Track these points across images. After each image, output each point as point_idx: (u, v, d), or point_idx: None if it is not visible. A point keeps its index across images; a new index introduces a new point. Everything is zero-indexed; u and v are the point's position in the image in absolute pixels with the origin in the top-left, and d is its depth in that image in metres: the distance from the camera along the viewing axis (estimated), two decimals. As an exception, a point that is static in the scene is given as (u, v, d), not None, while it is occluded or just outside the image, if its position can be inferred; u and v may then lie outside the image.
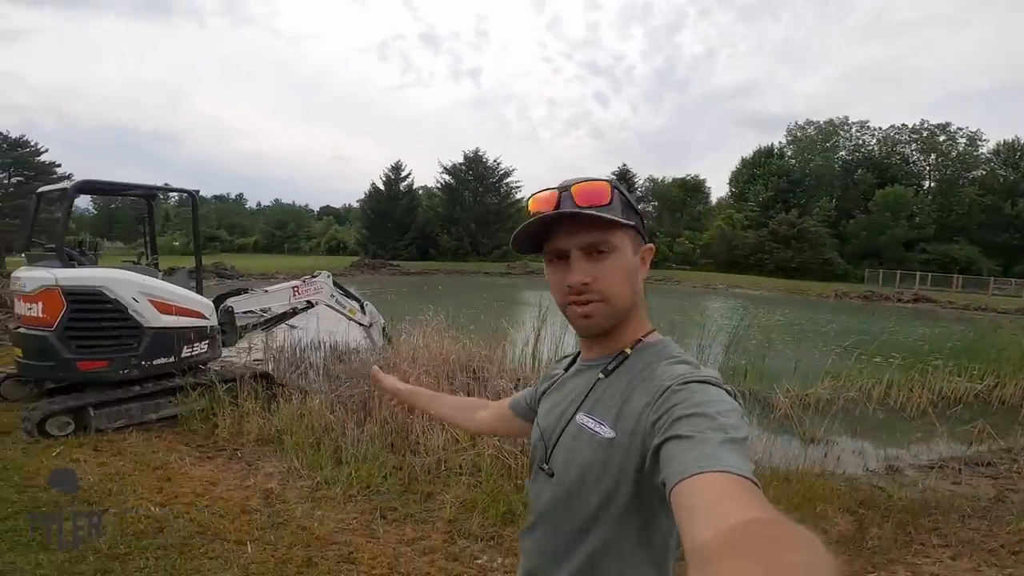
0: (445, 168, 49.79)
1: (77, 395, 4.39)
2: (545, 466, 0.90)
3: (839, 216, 47.13)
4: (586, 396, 0.85)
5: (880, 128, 53.58)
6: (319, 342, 7.31)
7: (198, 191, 5.52)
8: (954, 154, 50.08)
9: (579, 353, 0.97)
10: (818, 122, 54.74)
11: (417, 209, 50.24)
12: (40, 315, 4.25)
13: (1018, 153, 46.86)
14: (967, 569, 3.00)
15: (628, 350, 0.85)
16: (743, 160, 53.69)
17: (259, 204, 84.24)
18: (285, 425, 4.32)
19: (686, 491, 0.56)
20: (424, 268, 39.36)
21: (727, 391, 0.71)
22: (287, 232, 64.82)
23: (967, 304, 28.16)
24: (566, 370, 0.98)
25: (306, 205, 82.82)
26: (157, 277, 4.86)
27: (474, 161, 48.94)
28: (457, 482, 3.62)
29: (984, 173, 47.93)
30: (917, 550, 3.15)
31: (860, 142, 53.80)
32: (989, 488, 4.25)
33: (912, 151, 52.38)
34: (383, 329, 6.99)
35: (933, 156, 51.15)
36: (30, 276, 4.35)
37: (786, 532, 0.44)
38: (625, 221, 0.83)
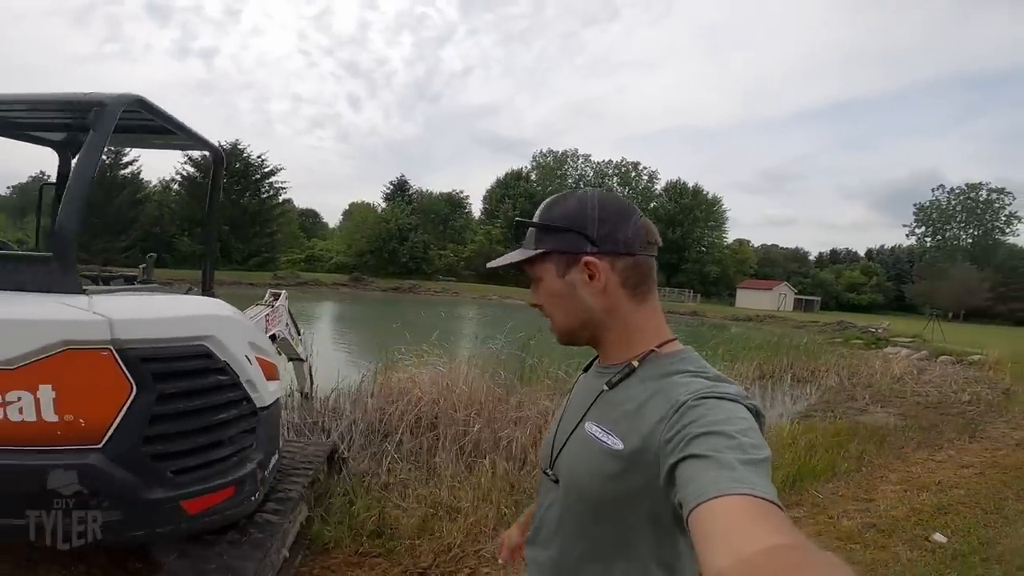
0: (189, 158, 42.33)
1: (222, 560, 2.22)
2: (550, 471, 0.89)
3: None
4: (592, 405, 0.84)
5: (596, 161, 66.73)
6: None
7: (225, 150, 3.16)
8: (640, 187, 65.67)
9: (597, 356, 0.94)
10: (555, 151, 65.23)
11: (144, 204, 41.44)
12: (53, 417, 1.78)
13: (678, 190, 64.18)
14: (948, 453, 5.32)
15: (635, 363, 0.81)
16: (497, 180, 60.23)
17: None
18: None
19: (705, 515, 0.53)
20: (164, 277, 32.96)
21: (747, 407, 0.67)
22: None
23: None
24: (585, 371, 0.97)
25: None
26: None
27: (231, 155, 42.89)
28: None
29: (656, 205, 64.15)
30: (909, 450, 5.35)
31: (583, 172, 65.97)
32: (842, 424, 6.46)
33: (614, 183, 66.62)
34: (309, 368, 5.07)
35: (627, 189, 66.14)
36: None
37: (811, 559, 0.43)
38: (528, 253, 0.85)
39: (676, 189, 63.81)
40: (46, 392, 1.77)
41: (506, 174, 60.43)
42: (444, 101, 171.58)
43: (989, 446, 5.95)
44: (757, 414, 0.69)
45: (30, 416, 1.76)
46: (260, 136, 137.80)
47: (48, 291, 1.94)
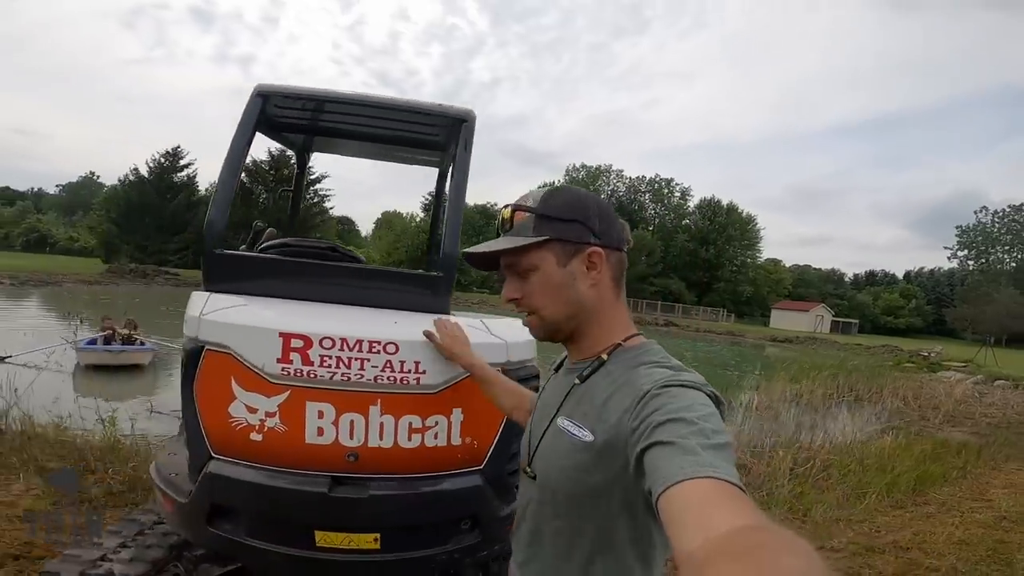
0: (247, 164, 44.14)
1: None
2: (528, 468, 0.90)
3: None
4: (564, 400, 0.86)
5: (629, 177, 67.02)
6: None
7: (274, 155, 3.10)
8: (673, 204, 65.64)
9: (567, 355, 0.95)
10: (588, 166, 65.68)
11: (198, 207, 43.25)
12: (458, 440, 1.78)
13: (712, 208, 63.97)
14: None
15: (605, 356, 0.84)
16: (526, 191, 60.75)
17: None
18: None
19: (673, 499, 0.55)
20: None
21: (707, 395, 0.70)
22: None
23: (697, 327, 38.09)
24: (556, 371, 0.98)
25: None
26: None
27: (279, 160, 44.52)
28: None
29: (689, 222, 64.00)
30: (1000, 462, 5.79)
31: (615, 187, 66.29)
32: (938, 439, 6.91)
33: (646, 199, 66.83)
34: None
35: (659, 205, 66.20)
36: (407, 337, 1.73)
37: (777, 538, 0.45)
38: (529, 240, 0.83)
39: (710, 207, 63.58)
40: (457, 416, 1.74)
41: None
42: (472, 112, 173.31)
43: (1072, 462, 6.25)
44: (717, 401, 0.71)
45: (442, 440, 1.74)
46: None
47: (430, 311, 1.88)
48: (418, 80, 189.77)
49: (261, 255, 2.05)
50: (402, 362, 1.63)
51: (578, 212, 0.83)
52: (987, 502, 4.30)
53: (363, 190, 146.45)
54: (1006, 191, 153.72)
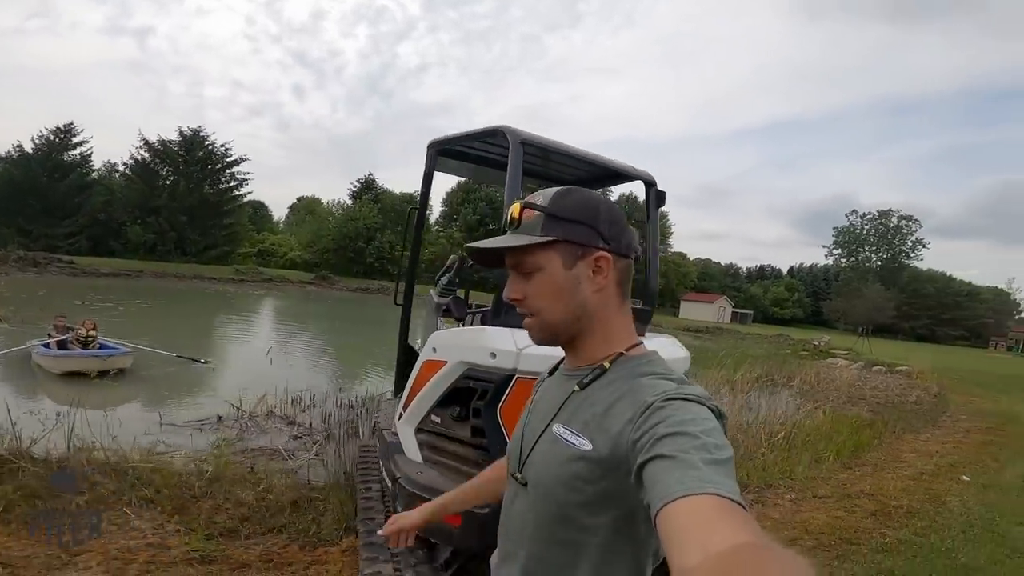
0: (147, 142, 40.42)
1: None
2: (518, 475, 0.88)
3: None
4: (561, 407, 0.84)
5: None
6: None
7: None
8: (592, 201, 68.31)
9: (564, 359, 0.93)
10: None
11: (91, 189, 39.24)
12: None
13: (628, 202, 67.54)
14: (926, 436, 7.27)
15: (607, 364, 0.82)
16: (458, 183, 60.91)
17: None
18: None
19: (672, 515, 0.54)
20: (120, 268, 31.70)
21: (711, 409, 0.69)
22: None
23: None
24: (550, 374, 0.97)
25: None
26: None
27: (192, 141, 41.27)
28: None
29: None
30: (899, 433, 7.24)
31: (538, 183, 67.94)
32: (854, 414, 8.34)
33: (568, 194, 69.09)
34: None
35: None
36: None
37: (775, 557, 0.45)
38: (536, 239, 0.81)
39: (628, 202, 67.09)
40: None
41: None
42: (397, 98, 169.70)
43: (948, 431, 8.16)
44: (719, 415, 0.71)
45: None
46: (187, 121, 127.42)
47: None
48: (340, 61, 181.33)
49: None
50: None
51: (588, 215, 0.82)
52: (904, 463, 5.75)
53: (269, 171, 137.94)
54: (876, 195, 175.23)
